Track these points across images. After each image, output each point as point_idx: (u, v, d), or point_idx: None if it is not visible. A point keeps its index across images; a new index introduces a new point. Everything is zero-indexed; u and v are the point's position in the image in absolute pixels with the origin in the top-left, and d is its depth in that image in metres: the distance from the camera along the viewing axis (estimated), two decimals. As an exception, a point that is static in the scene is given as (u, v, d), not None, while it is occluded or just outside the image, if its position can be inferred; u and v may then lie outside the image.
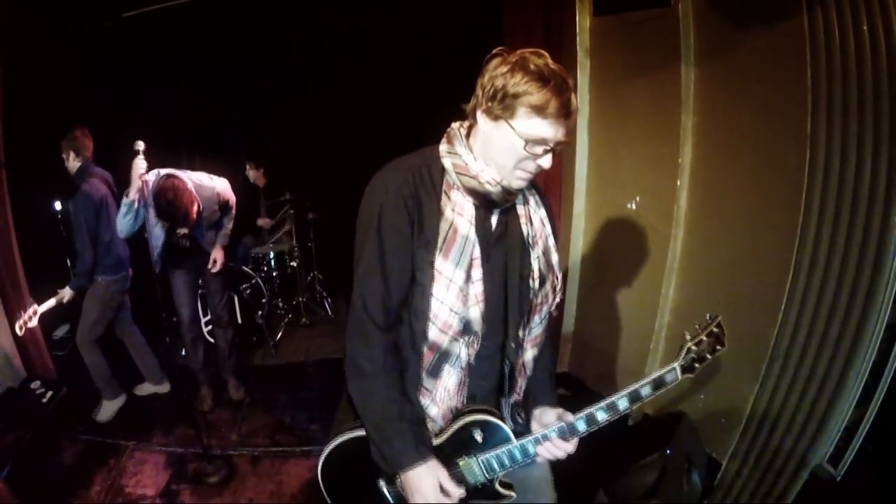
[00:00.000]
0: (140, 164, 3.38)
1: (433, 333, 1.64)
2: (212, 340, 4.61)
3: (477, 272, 1.62)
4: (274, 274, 5.71)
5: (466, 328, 1.65)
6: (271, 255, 5.68)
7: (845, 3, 2.31)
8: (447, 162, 1.61)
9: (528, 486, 1.96)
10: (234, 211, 4.17)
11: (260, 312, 5.31)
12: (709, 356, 1.66)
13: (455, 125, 1.66)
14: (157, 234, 3.78)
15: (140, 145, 3.35)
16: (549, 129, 1.48)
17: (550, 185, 4.05)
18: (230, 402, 4.31)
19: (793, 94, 2.58)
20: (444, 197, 1.60)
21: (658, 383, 1.64)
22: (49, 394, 3.74)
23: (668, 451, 3.07)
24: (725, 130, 3.07)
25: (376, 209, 1.57)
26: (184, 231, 3.84)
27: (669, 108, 3.27)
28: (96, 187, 3.69)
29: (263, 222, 6.09)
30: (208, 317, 4.65)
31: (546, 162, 1.54)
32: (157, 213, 3.61)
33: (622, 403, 1.65)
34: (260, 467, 3.54)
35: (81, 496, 3.27)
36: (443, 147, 1.64)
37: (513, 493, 1.81)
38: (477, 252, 1.61)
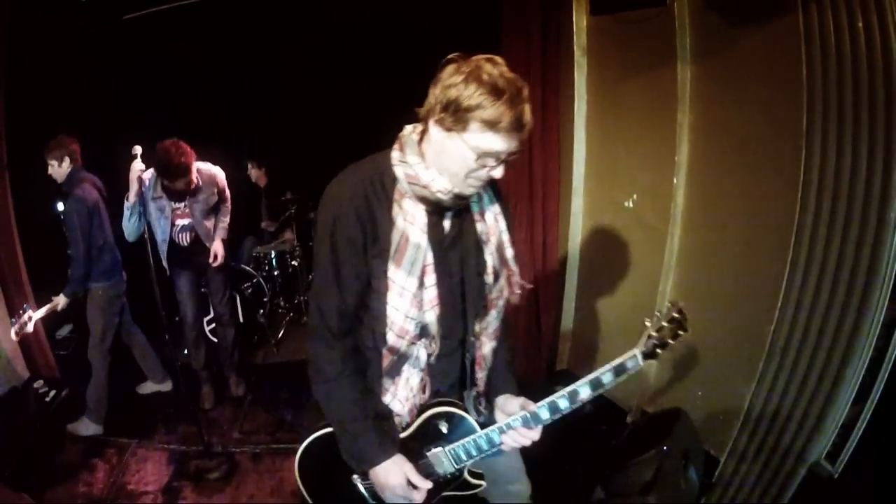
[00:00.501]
0: (137, 166, 3.42)
1: (391, 338, 1.67)
2: (214, 339, 4.63)
3: (430, 278, 1.65)
4: (275, 273, 5.73)
5: (423, 331, 1.68)
6: (273, 254, 5.70)
7: (840, 1, 2.32)
8: (399, 171, 1.60)
9: (499, 475, 2.02)
10: (229, 203, 4.19)
11: (262, 311, 5.33)
12: (671, 341, 1.67)
13: (408, 130, 1.65)
14: (162, 226, 3.82)
15: (138, 150, 3.39)
16: (501, 143, 1.47)
17: (548, 184, 4.06)
18: (232, 400, 4.34)
19: (788, 91, 2.59)
20: (395, 206, 1.61)
21: (619, 370, 1.66)
22: (52, 393, 3.77)
23: (666, 448, 3.08)
24: (722, 129, 3.08)
25: (330, 221, 1.60)
26: (181, 207, 3.86)
27: (666, 106, 3.28)
28: (89, 192, 3.66)
29: (267, 224, 6.11)
30: (209, 316, 4.67)
31: (498, 173, 1.55)
32: (158, 170, 3.64)
33: (584, 391, 1.68)
34: (261, 464, 3.57)
35: (84, 494, 3.30)
36: (395, 154, 1.63)
37: (483, 483, 1.89)
38: (429, 258, 1.63)
